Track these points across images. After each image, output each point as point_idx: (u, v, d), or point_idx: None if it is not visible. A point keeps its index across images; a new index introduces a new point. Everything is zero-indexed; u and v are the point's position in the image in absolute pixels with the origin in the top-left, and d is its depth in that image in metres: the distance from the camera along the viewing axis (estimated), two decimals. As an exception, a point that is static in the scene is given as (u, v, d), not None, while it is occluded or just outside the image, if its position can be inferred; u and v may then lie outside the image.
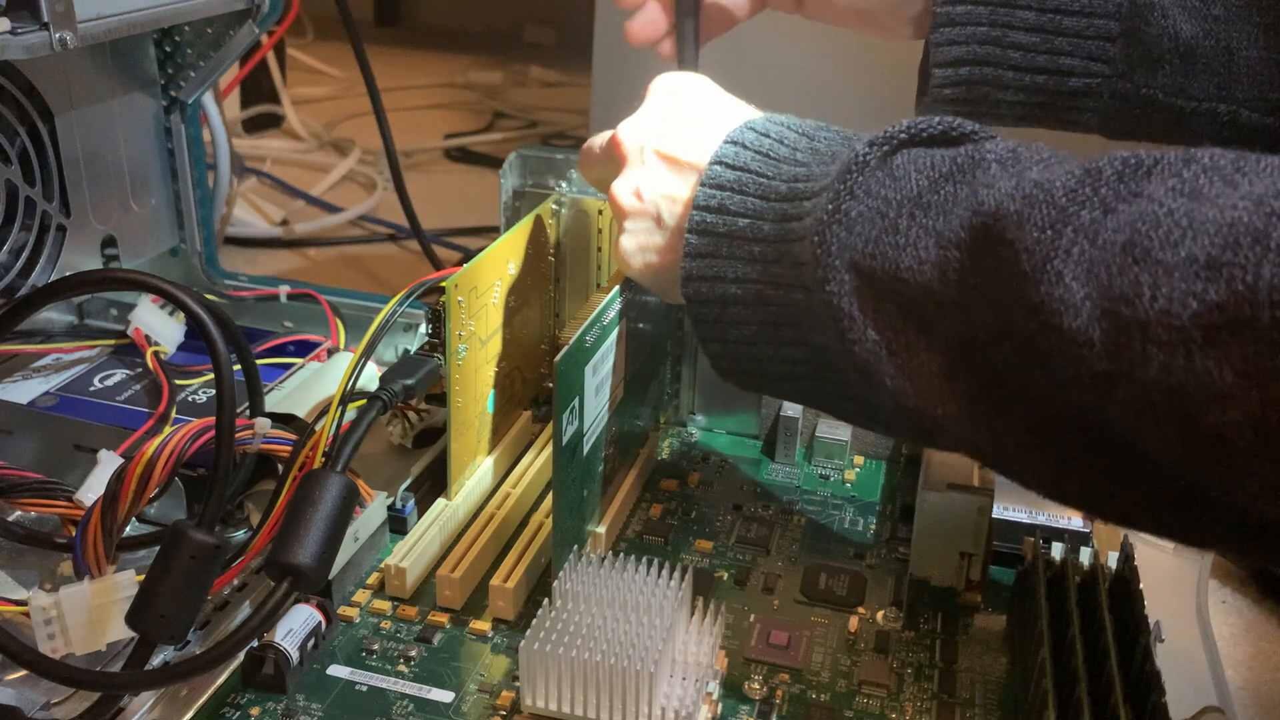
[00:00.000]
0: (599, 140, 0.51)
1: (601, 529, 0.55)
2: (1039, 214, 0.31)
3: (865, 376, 0.37)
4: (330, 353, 0.69)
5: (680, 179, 0.45)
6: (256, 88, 1.38)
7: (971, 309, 0.33)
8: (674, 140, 0.46)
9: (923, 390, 0.36)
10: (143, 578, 0.43)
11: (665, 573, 0.46)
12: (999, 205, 0.32)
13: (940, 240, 0.34)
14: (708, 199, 0.43)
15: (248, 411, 0.55)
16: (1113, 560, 0.50)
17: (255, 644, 0.46)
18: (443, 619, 0.51)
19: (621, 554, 0.47)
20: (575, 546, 0.49)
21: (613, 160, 0.49)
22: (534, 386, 0.67)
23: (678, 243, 0.45)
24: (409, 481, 0.58)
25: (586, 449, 0.52)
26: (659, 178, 0.46)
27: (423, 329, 0.62)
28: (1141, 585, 0.46)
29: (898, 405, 0.37)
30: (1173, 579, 0.56)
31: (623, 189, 0.47)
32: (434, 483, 0.59)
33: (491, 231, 1.12)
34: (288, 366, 0.65)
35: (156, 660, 0.45)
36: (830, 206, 0.37)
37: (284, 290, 0.76)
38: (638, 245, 0.47)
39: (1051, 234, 0.30)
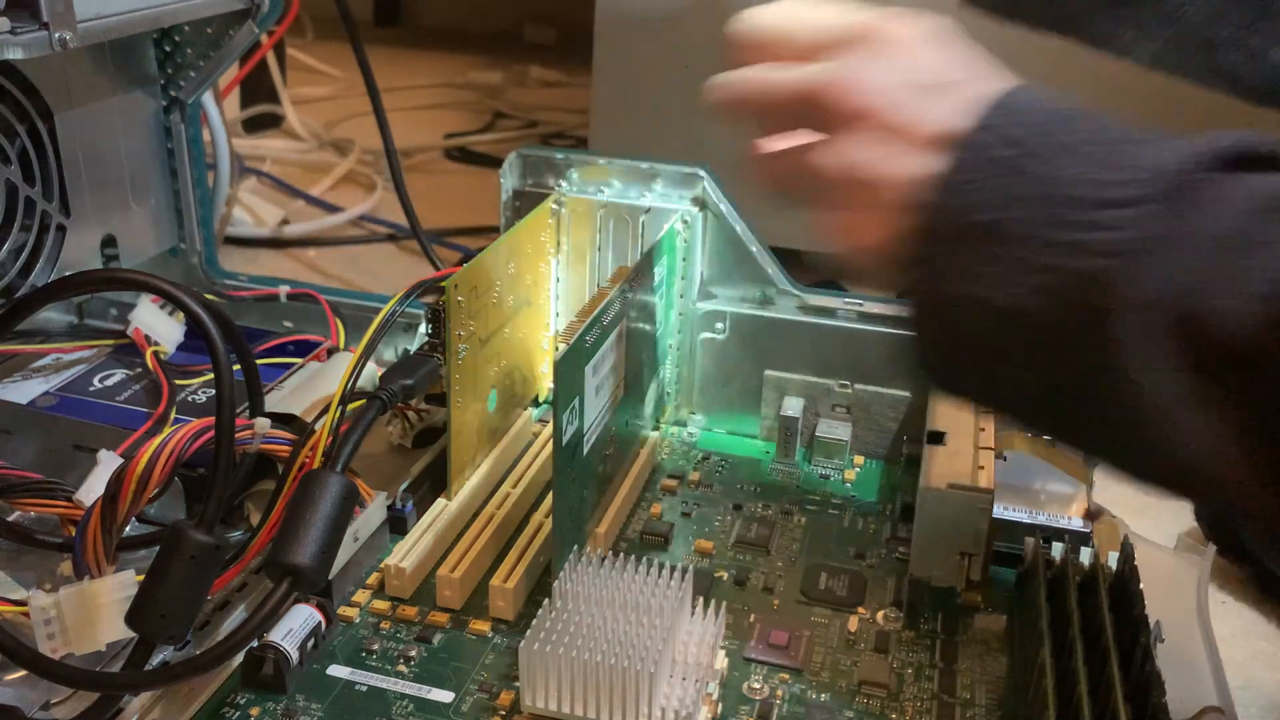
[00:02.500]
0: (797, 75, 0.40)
1: (601, 529, 0.55)
2: None
3: (1136, 420, 0.32)
4: (330, 353, 0.69)
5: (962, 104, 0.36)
6: (256, 88, 1.37)
7: None
8: (934, 94, 0.37)
9: (1213, 453, 0.31)
10: (143, 578, 0.43)
11: (665, 573, 0.46)
12: None
13: (1275, 290, 0.29)
14: (966, 177, 0.35)
15: (248, 411, 0.55)
16: (1113, 560, 0.50)
17: (255, 644, 0.46)
18: (443, 619, 0.51)
19: (621, 554, 0.47)
20: (575, 546, 0.49)
21: (840, 115, 0.39)
22: (534, 386, 0.67)
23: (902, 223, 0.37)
24: (409, 481, 0.58)
25: (586, 449, 0.52)
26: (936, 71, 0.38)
27: (423, 329, 0.62)
28: (1141, 585, 0.46)
29: (1172, 458, 0.32)
30: (1173, 579, 0.56)
31: (858, 149, 0.38)
32: (434, 483, 0.59)
33: (491, 231, 1.12)
34: (288, 366, 0.65)
35: (156, 660, 0.45)
36: (1138, 231, 0.32)
37: (284, 290, 0.76)
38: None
39: None
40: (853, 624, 0.51)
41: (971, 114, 0.35)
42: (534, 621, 0.44)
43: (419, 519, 0.56)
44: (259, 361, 0.57)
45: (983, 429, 0.56)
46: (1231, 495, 0.32)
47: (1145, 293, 0.31)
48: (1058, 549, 0.51)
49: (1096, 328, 0.32)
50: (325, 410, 0.51)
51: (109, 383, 0.62)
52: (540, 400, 0.68)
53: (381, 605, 0.51)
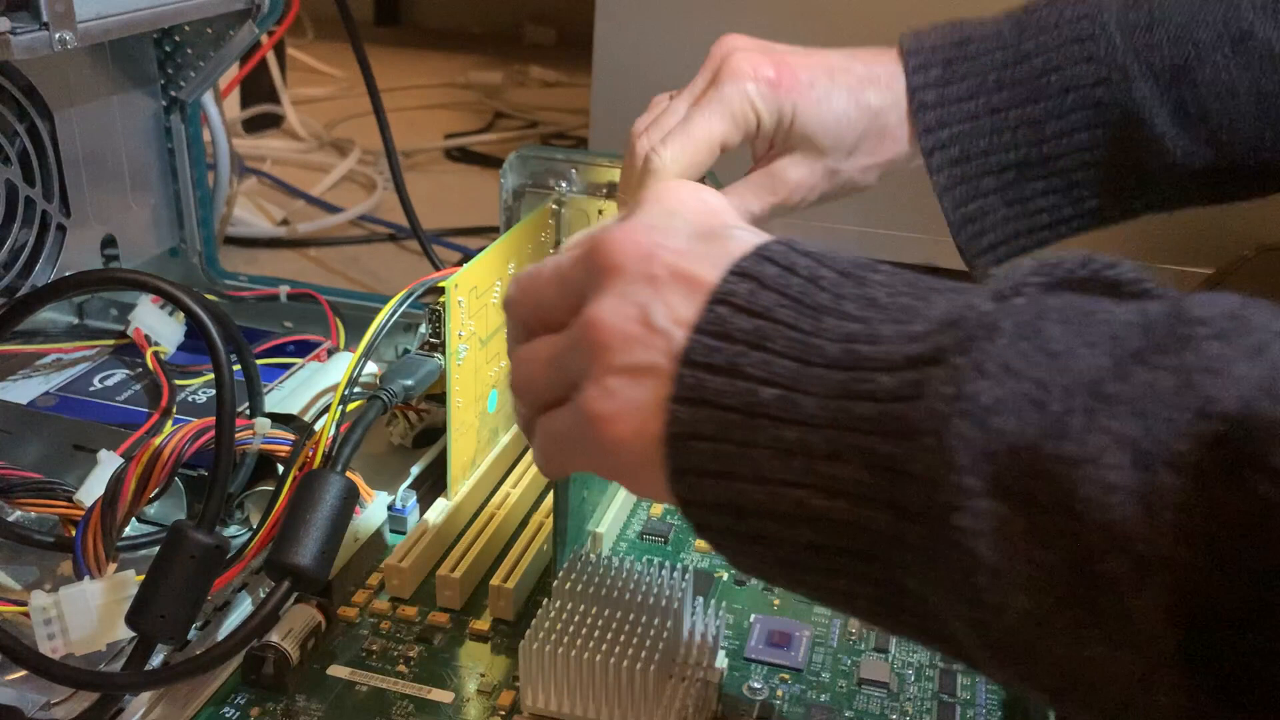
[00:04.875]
0: (553, 261, 0.36)
1: (601, 529, 0.55)
2: None
3: (1001, 657, 0.25)
4: (330, 353, 0.69)
5: (702, 306, 0.31)
6: (256, 88, 1.37)
7: (1194, 569, 0.22)
8: (693, 254, 0.32)
9: (1101, 688, 0.24)
10: (143, 578, 0.43)
11: (665, 573, 0.46)
12: (1244, 406, 0.22)
13: (1140, 456, 0.22)
14: (708, 353, 0.29)
15: (248, 411, 0.55)
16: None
17: (255, 644, 0.46)
18: (443, 619, 0.51)
19: (621, 554, 0.47)
20: (575, 546, 0.49)
21: (591, 275, 0.34)
22: (534, 386, 0.67)
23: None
24: (409, 481, 0.58)
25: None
26: (675, 297, 0.31)
27: (423, 329, 0.62)
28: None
29: (1051, 699, 0.26)
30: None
31: (617, 311, 0.32)
32: (434, 483, 0.59)
33: (491, 231, 1.12)
34: (288, 366, 0.65)
35: (156, 660, 0.45)
36: (948, 390, 0.25)
37: (284, 290, 0.76)
38: (630, 399, 0.31)
39: None
40: (853, 624, 0.51)
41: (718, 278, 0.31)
42: (534, 621, 0.44)
43: (419, 519, 0.56)
44: (259, 361, 0.58)
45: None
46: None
47: (964, 476, 0.24)
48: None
49: (915, 530, 0.26)
50: (325, 410, 0.51)
51: (109, 383, 0.62)
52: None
53: (381, 605, 0.51)
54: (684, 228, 0.34)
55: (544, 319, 0.36)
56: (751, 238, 0.33)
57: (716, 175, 0.59)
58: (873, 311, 0.29)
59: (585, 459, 0.34)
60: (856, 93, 0.50)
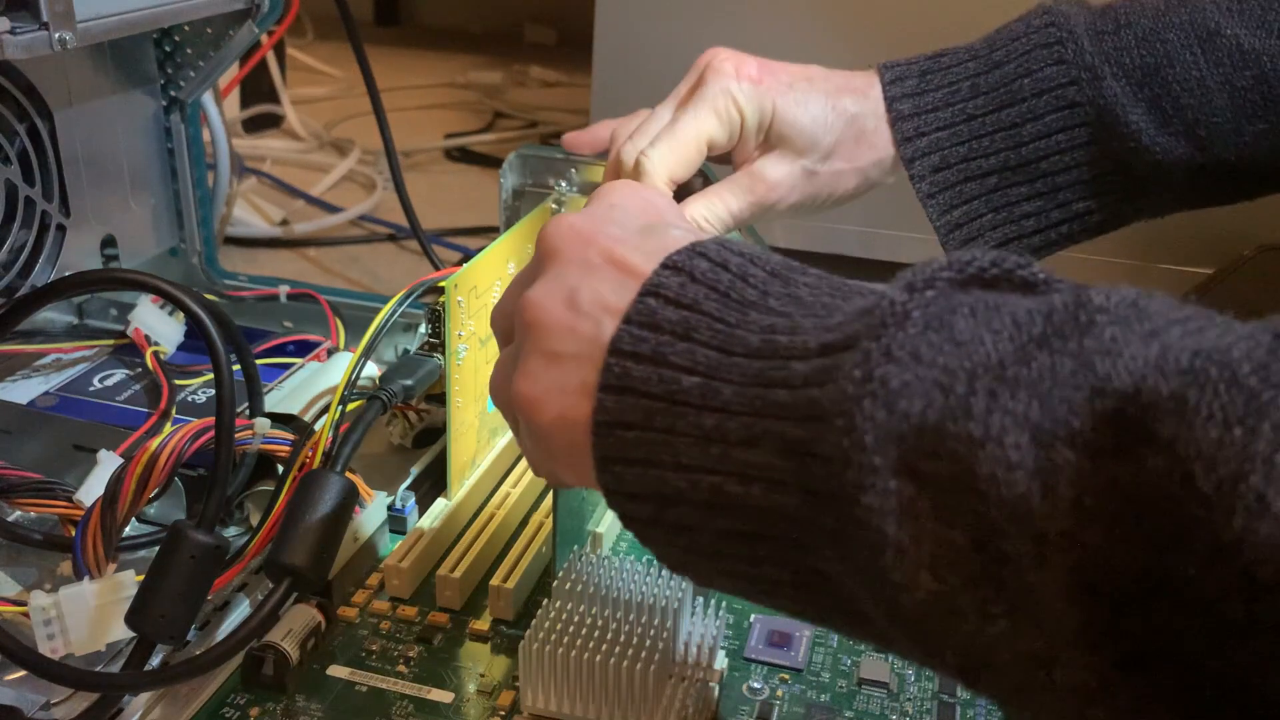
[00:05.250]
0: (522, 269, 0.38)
1: (602, 529, 0.55)
2: (1213, 398, 0.21)
3: (911, 635, 0.26)
4: (330, 353, 0.69)
5: (632, 294, 0.31)
6: (256, 88, 1.37)
7: (1092, 545, 0.22)
8: (630, 243, 0.33)
9: (1006, 667, 0.24)
10: (143, 578, 0.43)
11: (665, 572, 0.46)
12: (1137, 383, 0.22)
13: (1040, 434, 0.23)
14: (635, 342, 0.30)
15: (247, 411, 0.55)
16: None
17: (255, 644, 0.46)
18: (443, 619, 0.51)
19: (621, 554, 0.47)
20: (575, 546, 0.49)
21: (537, 263, 0.36)
22: (534, 386, 0.67)
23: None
24: (409, 481, 0.58)
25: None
26: (606, 284, 0.32)
27: (423, 329, 0.62)
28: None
29: (960, 676, 0.26)
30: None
31: (549, 294, 0.33)
32: (434, 483, 0.59)
33: (491, 231, 1.12)
34: (287, 366, 0.65)
35: (156, 660, 0.45)
36: (858, 373, 0.25)
37: (284, 290, 0.76)
38: (557, 381, 0.32)
39: (1242, 433, 0.20)
40: (853, 624, 0.51)
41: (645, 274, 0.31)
42: (534, 621, 0.44)
43: (419, 519, 0.56)
44: (259, 361, 0.58)
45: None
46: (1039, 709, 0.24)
47: (873, 456, 0.24)
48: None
49: (826, 512, 0.26)
50: (325, 410, 0.51)
51: (109, 383, 0.62)
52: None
53: (381, 605, 0.51)
54: (626, 219, 0.36)
55: (510, 324, 0.37)
56: (688, 235, 0.34)
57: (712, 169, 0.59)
58: (795, 307, 0.30)
59: (530, 445, 0.35)
60: (833, 98, 0.51)
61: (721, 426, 0.28)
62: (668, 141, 0.49)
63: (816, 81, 0.52)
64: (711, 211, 0.51)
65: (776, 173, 0.51)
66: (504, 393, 0.36)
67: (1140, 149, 0.50)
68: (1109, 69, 0.49)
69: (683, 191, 0.51)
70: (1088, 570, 0.22)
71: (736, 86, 0.50)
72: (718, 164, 0.54)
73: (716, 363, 0.29)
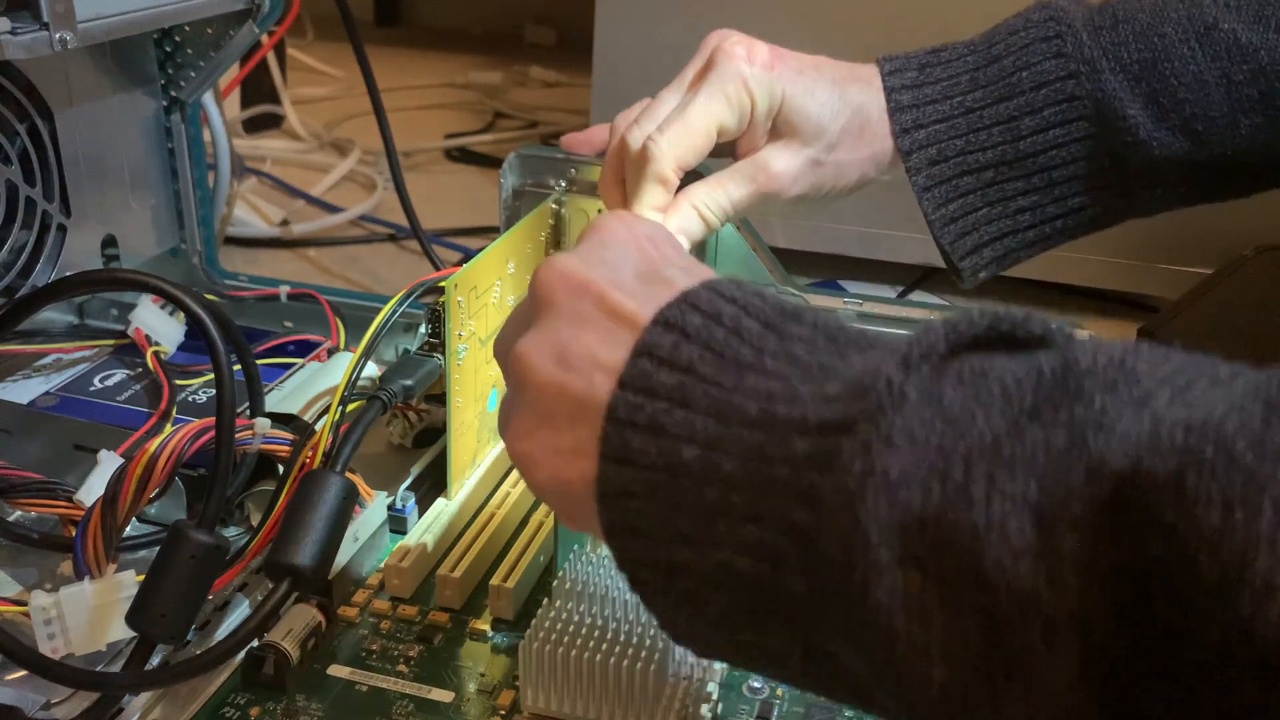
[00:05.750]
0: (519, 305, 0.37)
1: (601, 529, 0.55)
2: (1210, 481, 0.20)
3: None
4: (330, 353, 0.69)
5: (625, 349, 0.31)
6: (256, 88, 1.37)
7: (1102, 630, 0.22)
8: (624, 289, 0.32)
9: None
10: (143, 578, 0.43)
11: (665, 573, 0.46)
12: (1134, 465, 0.22)
13: (1042, 518, 0.22)
14: (631, 410, 0.29)
15: (248, 411, 0.55)
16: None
17: (255, 644, 0.46)
18: (443, 619, 0.51)
19: (621, 554, 0.47)
20: (575, 546, 0.49)
21: (530, 309, 0.35)
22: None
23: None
24: (409, 481, 0.58)
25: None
26: (597, 337, 0.31)
27: (423, 329, 0.62)
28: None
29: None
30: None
31: (537, 348, 0.33)
32: (434, 483, 0.59)
33: (491, 231, 1.12)
34: (288, 366, 0.65)
35: (156, 660, 0.45)
36: (859, 466, 0.25)
37: (284, 290, 0.76)
38: (549, 442, 0.32)
39: (1243, 515, 0.20)
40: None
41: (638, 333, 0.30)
42: (534, 621, 0.44)
43: (419, 519, 0.56)
44: (259, 361, 0.58)
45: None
46: None
47: (878, 551, 0.24)
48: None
49: (833, 602, 0.26)
50: (325, 410, 0.51)
51: (109, 383, 0.62)
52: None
53: (381, 605, 0.51)
54: (620, 261, 0.34)
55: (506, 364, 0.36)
56: (684, 276, 0.33)
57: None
58: (791, 368, 0.29)
59: (535, 494, 0.35)
60: (840, 86, 0.51)
61: (724, 500, 0.27)
62: (677, 127, 0.48)
63: (824, 70, 0.51)
64: (712, 199, 0.50)
65: (780, 163, 0.50)
66: (507, 446, 0.35)
67: (1137, 143, 0.50)
68: (1107, 63, 0.49)
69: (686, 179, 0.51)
70: (1097, 654, 0.22)
71: (749, 71, 0.49)
72: (711, 157, 0.54)
73: (716, 434, 0.28)
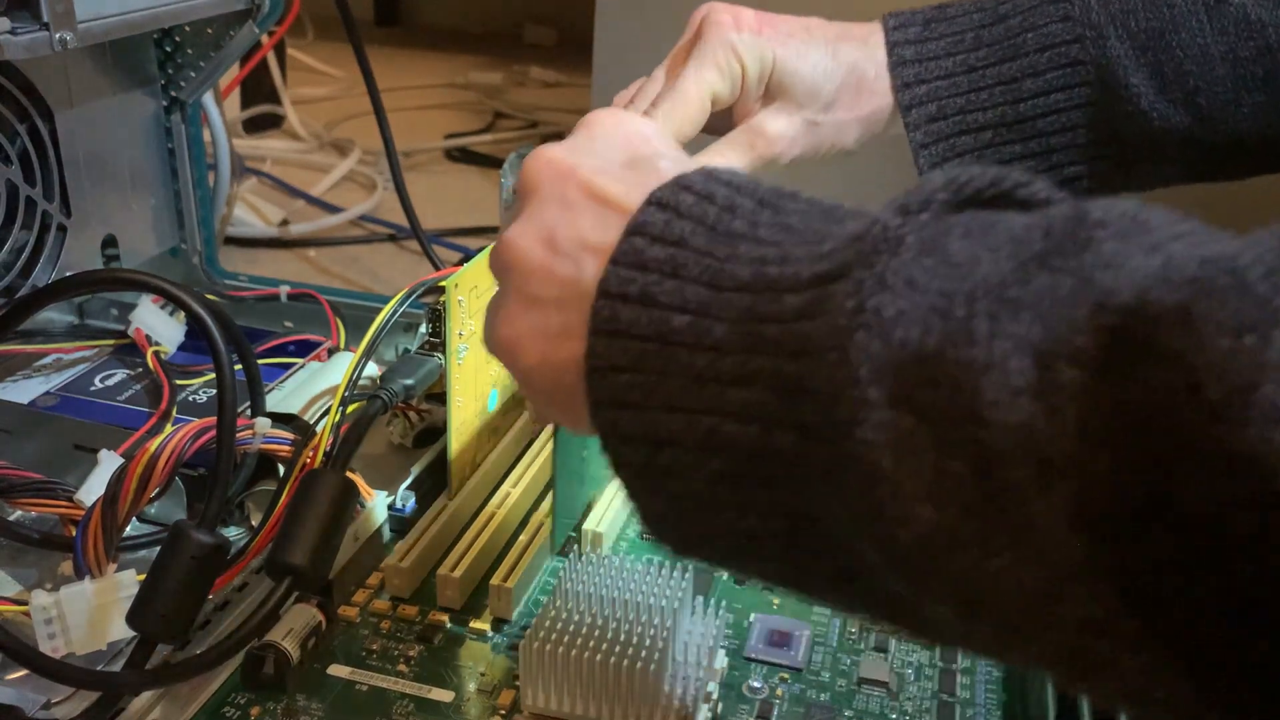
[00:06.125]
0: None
1: (602, 529, 0.55)
2: (1222, 307, 0.20)
3: (908, 573, 0.25)
4: (330, 353, 0.69)
5: (615, 231, 0.30)
6: (256, 88, 1.37)
7: (1096, 470, 0.21)
8: (611, 175, 0.32)
9: (1007, 601, 0.23)
10: (143, 577, 0.43)
11: (665, 573, 0.46)
12: (1141, 295, 0.21)
13: (1043, 356, 0.22)
14: (622, 284, 0.29)
15: (248, 411, 0.55)
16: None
17: (255, 644, 0.46)
18: (443, 619, 0.51)
19: (621, 554, 0.47)
20: (575, 546, 0.49)
21: (518, 199, 0.35)
22: (534, 386, 0.67)
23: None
24: (409, 481, 0.58)
25: (587, 447, 0.52)
26: (585, 221, 0.31)
27: (423, 329, 0.62)
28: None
29: (957, 616, 0.25)
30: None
31: (524, 234, 0.33)
32: (434, 483, 0.59)
33: (491, 231, 1.12)
34: (288, 366, 0.65)
35: (156, 660, 0.45)
36: (850, 304, 0.24)
37: (284, 290, 0.76)
38: (538, 325, 0.32)
39: (1253, 340, 0.19)
40: (853, 623, 0.51)
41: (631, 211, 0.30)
42: (534, 621, 0.44)
43: (419, 519, 0.56)
44: (259, 361, 0.58)
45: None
46: (1049, 660, 0.24)
47: (868, 389, 0.23)
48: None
49: (821, 449, 0.25)
50: (326, 410, 0.51)
51: (110, 383, 0.62)
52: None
53: (381, 605, 0.51)
54: (608, 150, 0.34)
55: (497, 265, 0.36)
56: (674, 166, 0.32)
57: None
58: (785, 235, 0.28)
59: (522, 387, 0.35)
60: (833, 45, 0.51)
61: (714, 365, 0.27)
62: (671, 100, 0.48)
63: (815, 30, 0.51)
64: None
65: (776, 126, 0.50)
66: (490, 337, 0.35)
67: (1138, 113, 0.49)
68: (1113, 29, 0.49)
69: None
70: (1091, 497, 0.21)
71: (737, 37, 0.49)
72: (710, 133, 0.53)
73: (707, 299, 0.28)
